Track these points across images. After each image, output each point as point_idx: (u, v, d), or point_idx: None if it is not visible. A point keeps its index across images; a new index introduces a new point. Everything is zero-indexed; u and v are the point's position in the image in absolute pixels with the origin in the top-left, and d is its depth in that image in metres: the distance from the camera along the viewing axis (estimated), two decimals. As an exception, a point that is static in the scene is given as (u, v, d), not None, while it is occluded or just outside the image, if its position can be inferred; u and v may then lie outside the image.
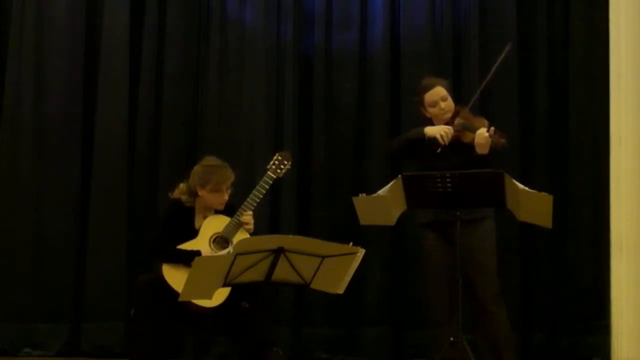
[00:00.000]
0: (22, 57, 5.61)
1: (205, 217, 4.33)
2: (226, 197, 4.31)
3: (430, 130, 4.24)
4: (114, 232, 5.50)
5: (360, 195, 4.03)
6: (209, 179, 4.27)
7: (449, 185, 3.87)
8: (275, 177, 4.39)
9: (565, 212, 5.27)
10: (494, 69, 4.36)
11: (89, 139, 5.60)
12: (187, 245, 4.19)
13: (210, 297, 3.60)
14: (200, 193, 4.30)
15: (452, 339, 3.95)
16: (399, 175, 3.94)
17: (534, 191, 3.87)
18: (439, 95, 4.33)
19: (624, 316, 4.78)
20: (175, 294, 3.76)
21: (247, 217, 4.26)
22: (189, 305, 3.98)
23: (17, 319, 5.46)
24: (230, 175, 4.31)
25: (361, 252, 3.58)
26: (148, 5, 5.68)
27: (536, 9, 5.57)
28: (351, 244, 3.58)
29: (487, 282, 4.22)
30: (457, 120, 4.26)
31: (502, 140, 4.15)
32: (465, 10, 5.57)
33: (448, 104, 4.34)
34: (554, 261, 5.37)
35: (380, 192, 3.98)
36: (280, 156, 4.43)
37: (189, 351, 5.38)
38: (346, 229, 4.91)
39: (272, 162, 4.41)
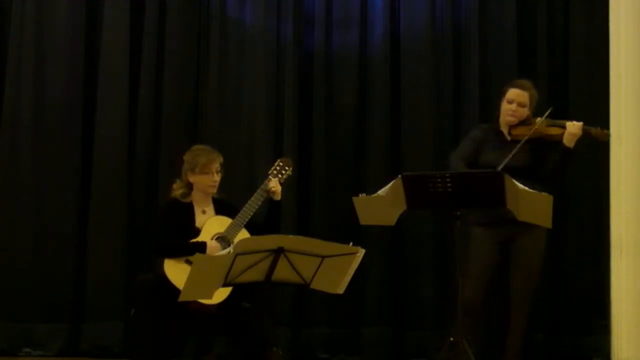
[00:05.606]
0: (22, 56, 5.60)
1: (203, 212, 4.35)
2: (216, 178, 4.33)
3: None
4: (114, 232, 5.49)
5: (360, 195, 4.02)
6: (196, 162, 4.31)
7: (449, 185, 3.87)
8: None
9: (565, 212, 5.26)
10: None
11: (89, 139, 5.59)
12: (189, 245, 4.20)
13: (210, 297, 3.61)
14: (191, 179, 4.33)
15: (452, 339, 3.95)
16: (399, 175, 3.94)
17: (534, 191, 3.87)
18: (520, 98, 4.45)
19: (624, 316, 4.78)
20: (176, 291, 3.74)
21: (273, 183, 4.32)
22: (189, 304, 3.98)
23: (17, 319, 5.45)
24: (217, 157, 4.34)
25: (361, 252, 3.58)
26: (148, 5, 5.67)
27: (536, 9, 5.57)
28: (351, 244, 3.58)
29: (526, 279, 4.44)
30: (539, 120, 4.39)
31: (606, 131, 4.41)
32: (465, 10, 5.57)
33: (520, 112, 4.44)
34: (554, 261, 5.36)
35: (380, 192, 3.98)
36: (282, 162, 4.45)
37: (189, 351, 5.36)
38: (346, 229, 4.91)
39: (273, 168, 4.42)
